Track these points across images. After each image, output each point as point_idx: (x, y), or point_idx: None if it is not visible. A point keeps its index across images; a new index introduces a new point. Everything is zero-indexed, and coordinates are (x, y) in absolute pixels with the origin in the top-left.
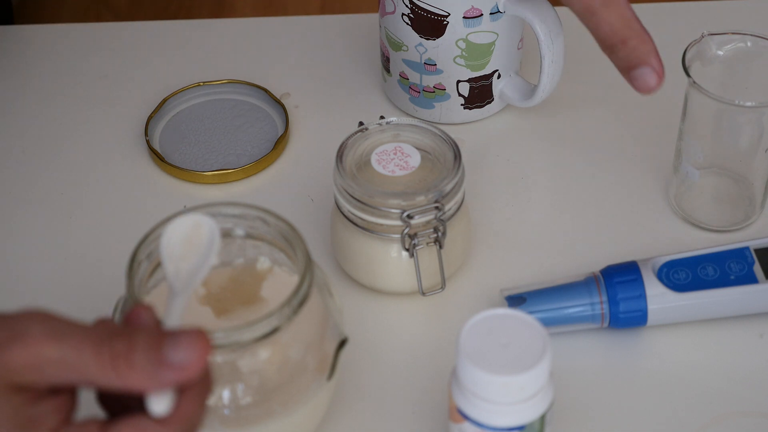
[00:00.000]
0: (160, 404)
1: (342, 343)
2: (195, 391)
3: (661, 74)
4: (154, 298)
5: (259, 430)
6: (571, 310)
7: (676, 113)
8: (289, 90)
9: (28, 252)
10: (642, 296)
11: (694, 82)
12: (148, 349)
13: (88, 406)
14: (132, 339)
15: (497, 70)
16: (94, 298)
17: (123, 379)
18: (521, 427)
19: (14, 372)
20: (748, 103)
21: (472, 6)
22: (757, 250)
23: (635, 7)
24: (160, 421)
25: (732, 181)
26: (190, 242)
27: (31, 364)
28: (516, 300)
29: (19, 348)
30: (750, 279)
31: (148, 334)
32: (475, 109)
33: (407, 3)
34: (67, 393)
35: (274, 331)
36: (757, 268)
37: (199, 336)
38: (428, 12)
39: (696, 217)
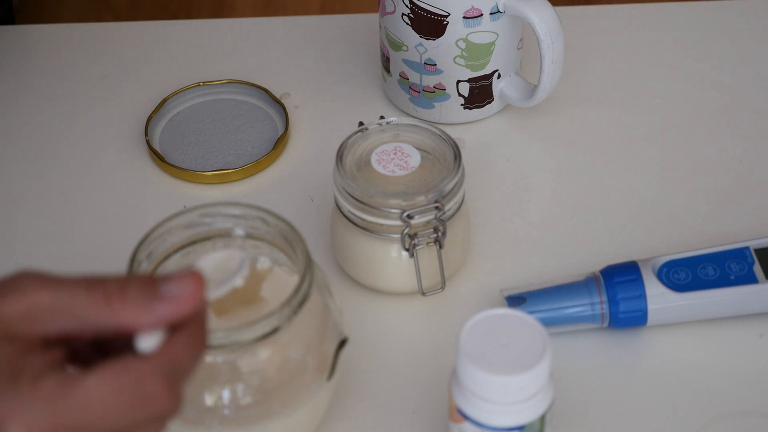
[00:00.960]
0: (147, 341)
1: (342, 343)
2: (187, 333)
3: None
4: None
5: (259, 430)
6: (571, 310)
7: (676, 113)
8: (289, 90)
9: (28, 252)
10: (642, 296)
11: None
12: (141, 285)
13: None
14: (125, 279)
15: (497, 70)
16: None
17: (116, 314)
18: (521, 427)
19: (6, 321)
20: None
21: (472, 6)
22: (757, 250)
23: (636, 7)
24: (145, 358)
25: None
26: (219, 270)
27: (24, 312)
28: (516, 300)
29: (11, 299)
30: (750, 279)
31: (142, 276)
32: (475, 109)
33: (407, 3)
34: (60, 348)
35: (274, 331)
36: (757, 268)
37: (193, 273)
38: (428, 12)
39: None
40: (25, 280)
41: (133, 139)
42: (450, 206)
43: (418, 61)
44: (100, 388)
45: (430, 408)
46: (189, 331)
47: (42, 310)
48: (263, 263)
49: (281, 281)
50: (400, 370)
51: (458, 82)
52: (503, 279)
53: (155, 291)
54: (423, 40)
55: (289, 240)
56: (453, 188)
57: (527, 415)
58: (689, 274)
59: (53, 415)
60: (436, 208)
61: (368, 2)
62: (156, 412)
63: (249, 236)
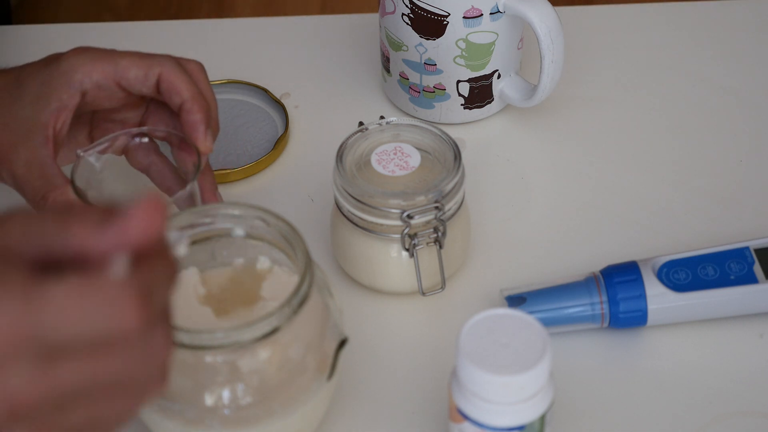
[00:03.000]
0: (116, 266)
1: (342, 343)
2: (154, 258)
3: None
4: None
5: (258, 430)
6: (571, 310)
7: (676, 113)
8: (289, 90)
9: None
10: (642, 296)
11: None
12: (100, 209)
13: None
14: (90, 206)
15: (497, 70)
16: None
17: (72, 234)
18: (521, 427)
19: None
20: None
21: (472, 6)
22: (757, 250)
23: (636, 7)
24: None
25: None
26: None
27: None
28: (516, 300)
29: None
30: (750, 279)
31: (105, 203)
32: (475, 109)
33: (407, 3)
34: (28, 264)
35: (274, 331)
36: (757, 268)
37: (150, 196)
38: (428, 12)
39: None
40: (8, 212)
41: None
42: (450, 206)
43: (418, 61)
44: (66, 293)
45: (430, 408)
46: (156, 257)
47: (14, 231)
48: (263, 263)
49: (281, 281)
50: (400, 370)
51: (458, 82)
52: (503, 279)
53: (112, 211)
54: (423, 40)
55: (289, 240)
56: (453, 188)
57: (527, 415)
58: (689, 274)
59: (12, 317)
60: (436, 208)
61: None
62: (125, 332)
63: (249, 236)
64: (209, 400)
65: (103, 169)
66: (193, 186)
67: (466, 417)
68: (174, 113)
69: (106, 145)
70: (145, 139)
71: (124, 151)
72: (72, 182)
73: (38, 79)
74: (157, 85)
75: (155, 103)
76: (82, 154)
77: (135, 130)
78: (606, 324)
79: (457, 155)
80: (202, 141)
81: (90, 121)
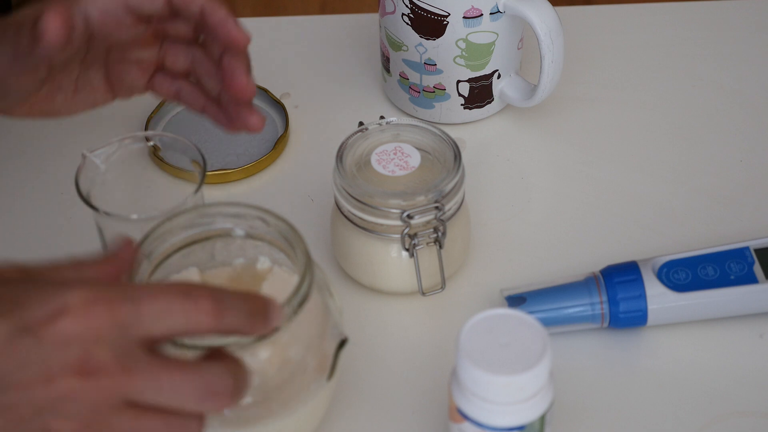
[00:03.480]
0: None
1: (342, 343)
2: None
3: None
4: None
5: (258, 430)
6: (571, 310)
7: (676, 113)
8: (289, 90)
9: (28, 252)
10: (642, 296)
11: None
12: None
13: None
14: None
15: (497, 70)
16: None
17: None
18: (521, 427)
19: None
20: None
21: (472, 6)
22: (757, 250)
23: (636, 7)
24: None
25: None
26: None
27: None
28: (516, 300)
29: None
30: (750, 279)
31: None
32: (475, 109)
33: (407, 3)
34: None
35: (274, 331)
36: (757, 268)
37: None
38: (428, 12)
39: None
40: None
41: None
42: (450, 206)
43: (418, 61)
44: (156, 287)
45: (430, 408)
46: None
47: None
48: (263, 263)
49: (281, 281)
50: (400, 370)
51: (458, 82)
52: (503, 279)
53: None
54: (423, 40)
55: (289, 240)
56: (453, 188)
57: (527, 415)
58: (689, 274)
59: (106, 292)
60: (436, 208)
61: (368, 2)
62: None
63: (249, 236)
64: None
65: (108, 169)
66: (200, 197)
67: (466, 417)
68: (191, 45)
69: (113, 147)
70: (151, 143)
71: (149, 87)
72: (76, 183)
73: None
74: (169, 3)
75: (170, 40)
76: (87, 154)
77: (140, 133)
78: (606, 324)
79: (457, 155)
80: (236, 30)
81: (105, 62)
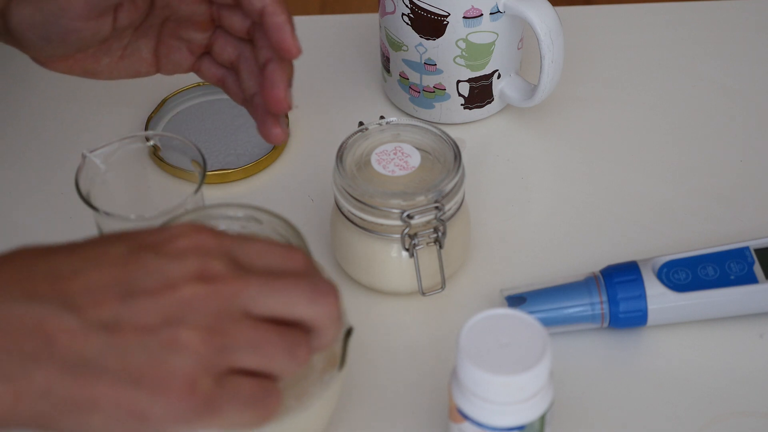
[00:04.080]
0: None
1: (348, 332)
2: None
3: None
4: None
5: (273, 428)
6: (571, 310)
7: (677, 113)
8: None
9: None
10: (642, 296)
11: None
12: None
13: None
14: None
15: (497, 70)
16: None
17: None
18: (521, 427)
19: None
20: None
21: (472, 6)
22: (757, 250)
23: (636, 7)
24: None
25: None
26: None
27: None
28: (516, 300)
29: None
30: (750, 279)
31: None
32: (475, 109)
33: (407, 3)
34: None
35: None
36: (757, 268)
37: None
38: (428, 12)
39: None
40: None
41: None
42: (450, 206)
43: (418, 61)
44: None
45: (430, 408)
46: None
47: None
48: None
49: None
50: (400, 370)
51: (458, 82)
52: (503, 279)
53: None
54: (423, 40)
55: (289, 240)
56: (453, 188)
57: (527, 415)
58: (689, 274)
59: (217, 237)
60: (436, 208)
61: (368, 2)
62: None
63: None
64: None
65: (108, 169)
66: (200, 197)
67: (466, 417)
68: (241, 41)
69: (113, 147)
70: (151, 143)
71: (195, 68)
72: (76, 183)
73: None
74: None
75: (222, 30)
76: (87, 154)
77: (140, 133)
78: (606, 324)
79: (457, 155)
80: (291, 39)
81: (157, 34)
